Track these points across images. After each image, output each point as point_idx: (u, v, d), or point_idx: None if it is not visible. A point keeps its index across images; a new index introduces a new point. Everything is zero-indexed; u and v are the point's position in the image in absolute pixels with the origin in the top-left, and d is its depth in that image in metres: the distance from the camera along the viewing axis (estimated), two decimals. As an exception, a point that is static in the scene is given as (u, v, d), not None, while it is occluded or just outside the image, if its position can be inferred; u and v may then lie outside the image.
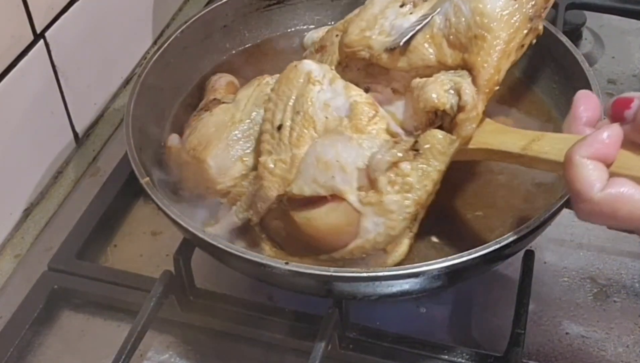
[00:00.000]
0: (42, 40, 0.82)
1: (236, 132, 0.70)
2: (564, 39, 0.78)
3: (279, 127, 0.67)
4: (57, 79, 0.86)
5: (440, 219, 0.70)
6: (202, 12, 0.85)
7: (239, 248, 0.63)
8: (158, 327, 0.72)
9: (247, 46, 0.88)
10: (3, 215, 0.81)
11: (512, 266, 0.72)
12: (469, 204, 0.72)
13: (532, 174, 0.72)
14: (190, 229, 0.64)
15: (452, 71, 0.66)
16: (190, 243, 0.70)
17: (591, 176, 0.49)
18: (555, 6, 1.00)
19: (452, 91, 0.65)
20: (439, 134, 0.63)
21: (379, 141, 0.65)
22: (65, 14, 0.85)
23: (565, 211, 0.66)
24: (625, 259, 0.78)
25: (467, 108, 0.64)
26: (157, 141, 0.77)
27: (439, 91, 0.65)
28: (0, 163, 0.79)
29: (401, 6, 0.70)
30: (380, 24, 0.70)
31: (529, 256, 0.72)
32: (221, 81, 0.80)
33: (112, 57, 0.95)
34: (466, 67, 0.66)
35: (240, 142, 0.70)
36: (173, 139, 0.75)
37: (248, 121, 0.71)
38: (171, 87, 0.82)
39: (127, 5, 0.97)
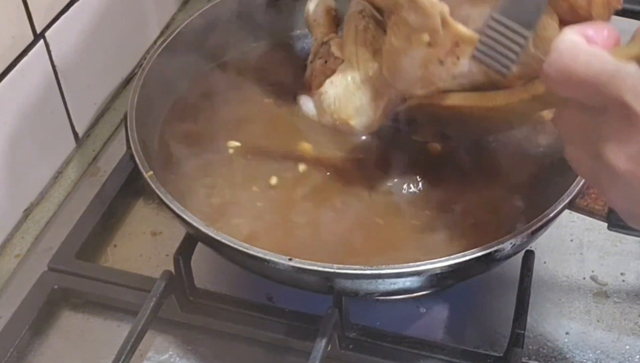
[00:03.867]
0: (42, 40, 0.82)
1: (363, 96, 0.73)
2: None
3: None
4: (57, 79, 0.85)
5: (441, 218, 0.70)
6: (203, 10, 0.86)
7: (242, 244, 0.63)
8: (158, 327, 0.72)
9: (249, 43, 0.88)
10: (3, 215, 0.81)
11: (512, 266, 0.72)
12: (470, 204, 0.72)
13: (532, 174, 0.72)
14: (194, 223, 0.64)
15: None
16: (190, 243, 0.70)
17: (570, 34, 0.48)
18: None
19: None
20: None
21: None
22: (65, 14, 0.85)
23: (565, 211, 0.66)
24: (625, 259, 0.78)
25: None
26: (158, 137, 0.78)
27: None
28: (0, 162, 0.79)
29: None
30: None
31: (529, 256, 0.72)
32: (318, 11, 0.82)
33: (112, 57, 0.95)
34: None
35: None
36: (307, 103, 0.77)
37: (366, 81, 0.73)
38: (172, 83, 0.82)
39: (127, 5, 0.97)
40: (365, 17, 0.75)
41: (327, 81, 0.75)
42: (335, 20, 0.82)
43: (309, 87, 0.78)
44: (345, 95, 0.73)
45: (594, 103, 0.47)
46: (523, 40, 0.57)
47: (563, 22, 0.60)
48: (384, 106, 0.73)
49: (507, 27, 0.57)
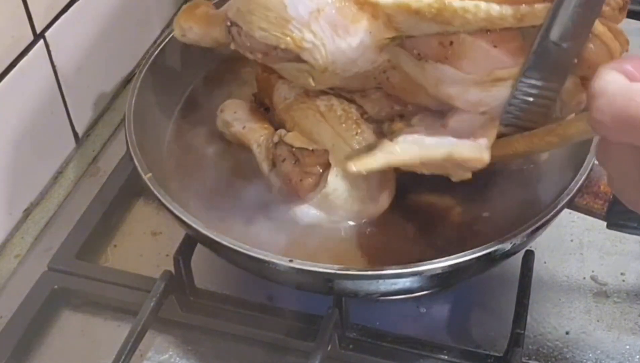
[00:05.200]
0: (42, 41, 0.82)
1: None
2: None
3: None
4: (57, 79, 0.85)
5: (441, 219, 0.70)
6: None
7: (241, 245, 0.63)
8: (158, 327, 0.72)
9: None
10: (3, 215, 0.81)
11: (512, 266, 0.72)
12: (471, 205, 0.72)
13: (532, 175, 0.72)
14: (193, 225, 0.64)
15: None
16: (190, 243, 0.70)
17: (611, 75, 0.44)
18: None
19: None
20: None
21: None
22: (65, 14, 0.85)
23: (565, 211, 0.66)
24: (625, 259, 0.78)
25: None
26: (157, 137, 0.78)
27: None
28: (0, 162, 0.79)
29: None
30: None
31: (529, 256, 0.72)
32: (241, 116, 0.74)
33: (112, 57, 0.95)
34: None
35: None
36: (307, 212, 0.69)
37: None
38: (171, 84, 0.82)
39: (127, 5, 0.97)
40: (319, 96, 0.69)
41: (330, 177, 0.67)
42: (266, 115, 0.74)
43: (293, 195, 0.69)
44: (359, 178, 0.66)
45: None
46: (554, 95, 0.54)
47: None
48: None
49: (538, 87, 0.54)
